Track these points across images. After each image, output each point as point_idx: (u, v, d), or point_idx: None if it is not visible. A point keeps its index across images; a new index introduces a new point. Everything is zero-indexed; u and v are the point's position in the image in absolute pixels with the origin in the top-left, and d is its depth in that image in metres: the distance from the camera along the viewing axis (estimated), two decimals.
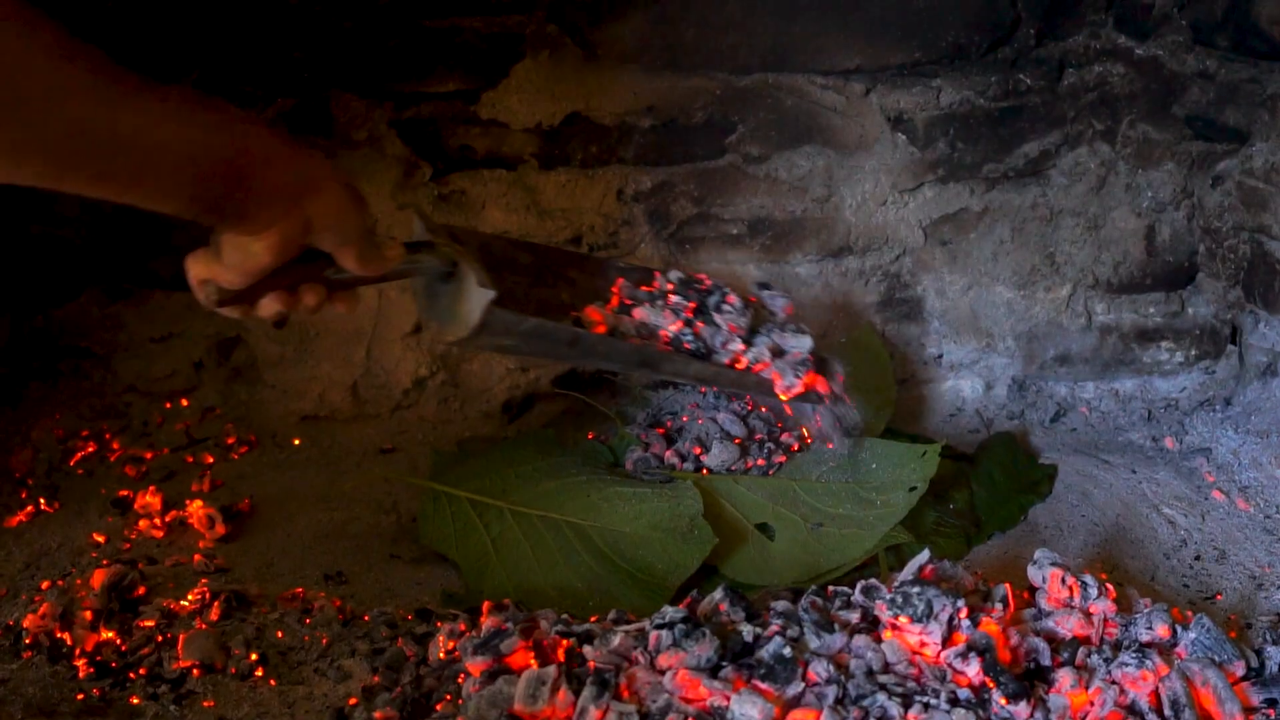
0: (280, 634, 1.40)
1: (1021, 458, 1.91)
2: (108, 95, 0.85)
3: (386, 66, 1.88)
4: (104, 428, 1.97)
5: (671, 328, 1.59)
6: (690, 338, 1.58)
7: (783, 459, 1.72)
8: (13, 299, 1.98)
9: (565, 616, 1.34)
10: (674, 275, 1.67)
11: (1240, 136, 1.93)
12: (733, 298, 1.66)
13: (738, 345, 1.60)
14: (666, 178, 1.98)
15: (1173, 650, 1.27)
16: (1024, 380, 2.10)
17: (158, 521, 1.70)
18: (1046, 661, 1.25)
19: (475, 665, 1.23)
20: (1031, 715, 1.17)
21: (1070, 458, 1.92)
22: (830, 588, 1.39)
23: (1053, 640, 1.28)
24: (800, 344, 1.63)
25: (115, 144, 0.86)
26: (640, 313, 1.60)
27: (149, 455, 1.92)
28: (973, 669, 1.19)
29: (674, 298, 1.64)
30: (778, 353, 1.62)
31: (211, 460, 1.93)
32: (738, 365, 1.60)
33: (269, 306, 1.11)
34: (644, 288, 1.65)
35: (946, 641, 1.24)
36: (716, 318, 1.62)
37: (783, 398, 1.61)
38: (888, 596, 1.28)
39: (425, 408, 2.07)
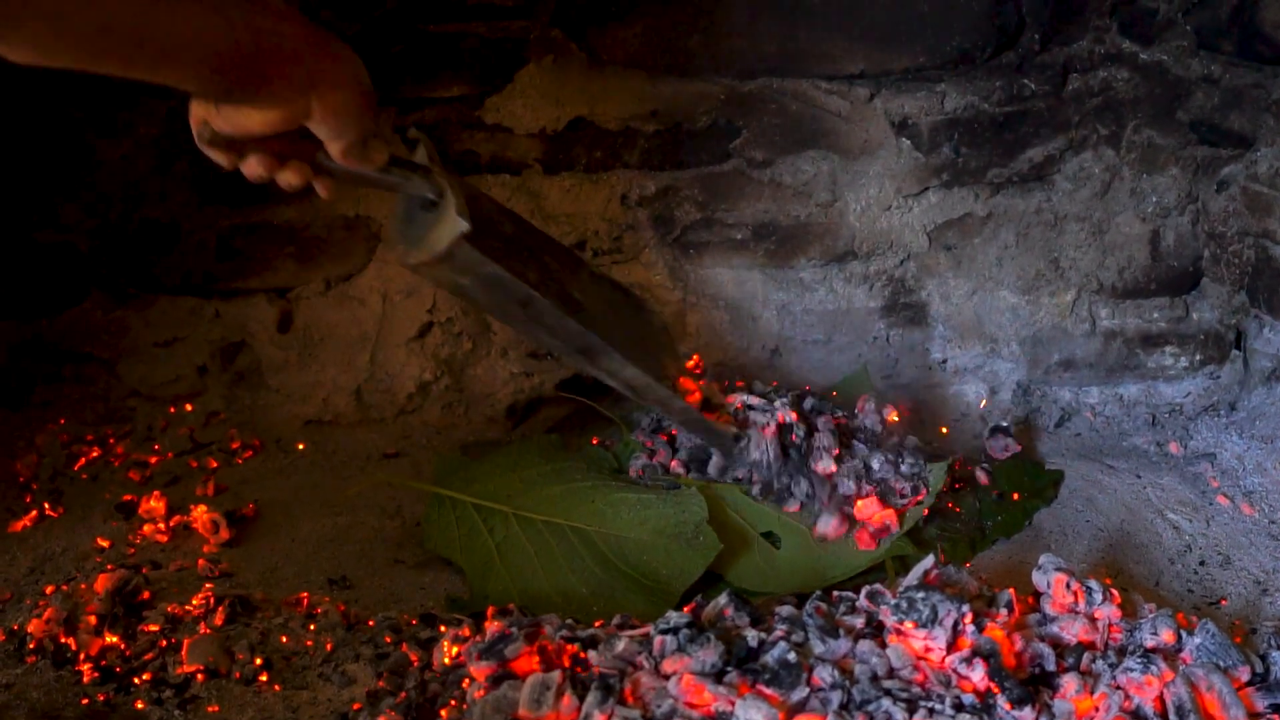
0: (284, 639, 1.40)
1: (1026, 463, 1.91)
2: None
3: (390, 72, 1.88)
4: (108, 432, 1.97)
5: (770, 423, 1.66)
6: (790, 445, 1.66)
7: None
8: (17, 304, 1.98)
9: (570, 621, 1.34)
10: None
11: (1245, 141, 1.93)
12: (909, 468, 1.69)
13: (830, 466, 1.66)
14: (671, 182, 1.98)
15: (1177, 655, 1.27)
16: (1028, 385, 2.10)
17: (162, 526, 1.70)
18: (1051, 667, 1.25)
19: (480, 670, 1.23)
20: None
21: (1075, 463, 1.91)
22: (835, 593, 1.38)
23: (1057, 646, 1.28)
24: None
25: (140, 41, 0.91)
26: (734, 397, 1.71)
27: (153, 460, 1.92)
28: (977, 674, 1.19)
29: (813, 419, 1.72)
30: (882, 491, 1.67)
31: (215, 465, 1.93)
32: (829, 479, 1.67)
33: (253, 166, 1.15)
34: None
35: (951, 647, 1.23)
36: (874, 462, 1.69)
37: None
38: (892, 601, 1.27)
39: (429, 412, 2.07)
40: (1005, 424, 1.96)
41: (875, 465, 1.68)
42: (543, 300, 1.42)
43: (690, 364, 1.73)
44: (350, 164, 1.18)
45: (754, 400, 1.72)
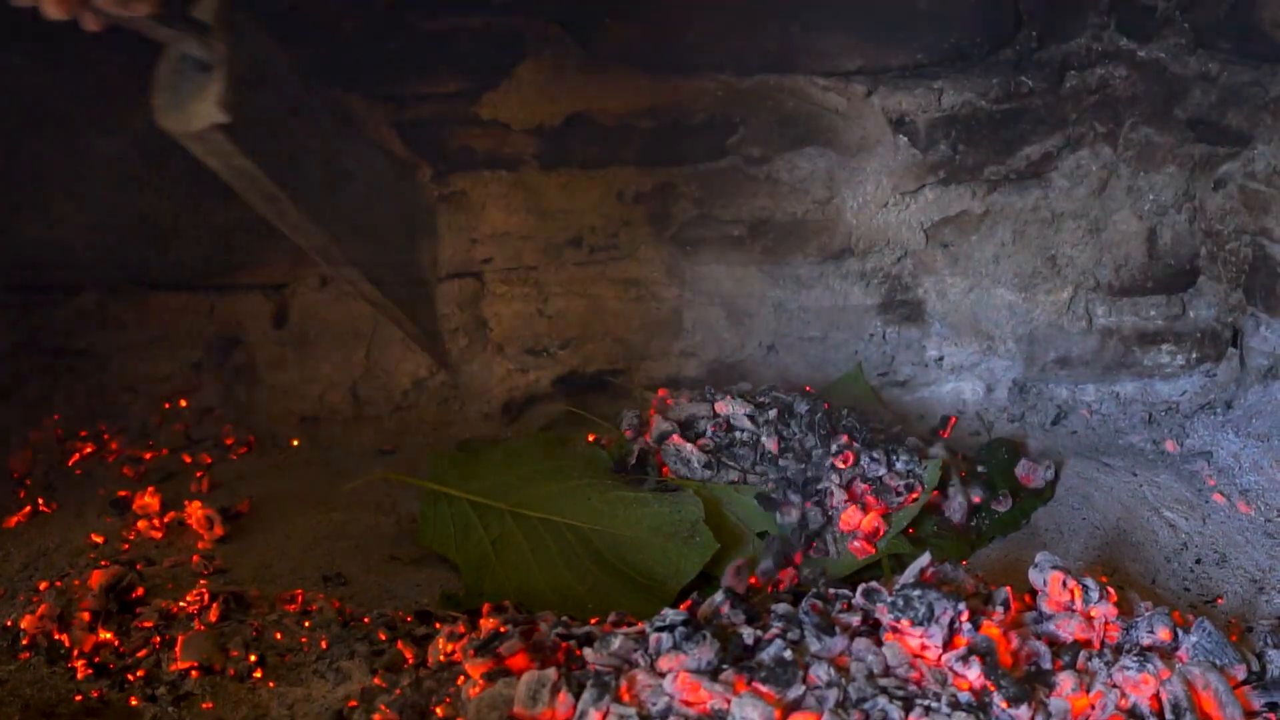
0: (279, 635, 1.40)
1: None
2: None
3: (388, 67, 1.88)
4: (102, 428, 1.97)
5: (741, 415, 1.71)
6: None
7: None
8: (12, 300, 1.97)
9: (565, 619, 1.34)
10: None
11: (1242, 139, 1.93)
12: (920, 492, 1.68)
13: (843, 498, 1.65)
14: (667, 179, 1.97)
15: (1174, 654, 1.27)
16: (1025, 383, 2.09)
17: (156, 522, 1.70)
18: (1047, 665, 1.24)
19: (475, 667, 1.23)
20: (1032, 719, 1.16)
21: (1071, 461, 1.91)
22: (831, 590, 1.38)
23: (1054, 643, 1.28)
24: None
25: None
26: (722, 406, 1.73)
27: (147, 456, 1.92)
28: (973, 672, 1.19)
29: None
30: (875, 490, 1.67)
31: (210, 461, 1.92)
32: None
33: None
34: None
35: (947, 645, 1.23)
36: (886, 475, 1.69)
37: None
38: (889, 599, 1.27)
39: (425, 409, 2.07)
40: (1053, 476, 1.86)
41: (867, 464, 1.68)
42: (287, 202, 1.40)
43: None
44: (107, 6, 1.19)
45: (739, 412, 1.73)
